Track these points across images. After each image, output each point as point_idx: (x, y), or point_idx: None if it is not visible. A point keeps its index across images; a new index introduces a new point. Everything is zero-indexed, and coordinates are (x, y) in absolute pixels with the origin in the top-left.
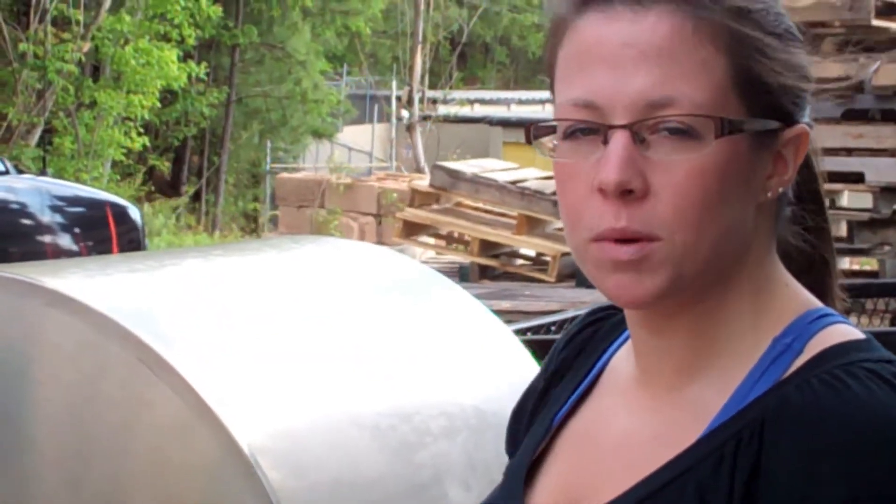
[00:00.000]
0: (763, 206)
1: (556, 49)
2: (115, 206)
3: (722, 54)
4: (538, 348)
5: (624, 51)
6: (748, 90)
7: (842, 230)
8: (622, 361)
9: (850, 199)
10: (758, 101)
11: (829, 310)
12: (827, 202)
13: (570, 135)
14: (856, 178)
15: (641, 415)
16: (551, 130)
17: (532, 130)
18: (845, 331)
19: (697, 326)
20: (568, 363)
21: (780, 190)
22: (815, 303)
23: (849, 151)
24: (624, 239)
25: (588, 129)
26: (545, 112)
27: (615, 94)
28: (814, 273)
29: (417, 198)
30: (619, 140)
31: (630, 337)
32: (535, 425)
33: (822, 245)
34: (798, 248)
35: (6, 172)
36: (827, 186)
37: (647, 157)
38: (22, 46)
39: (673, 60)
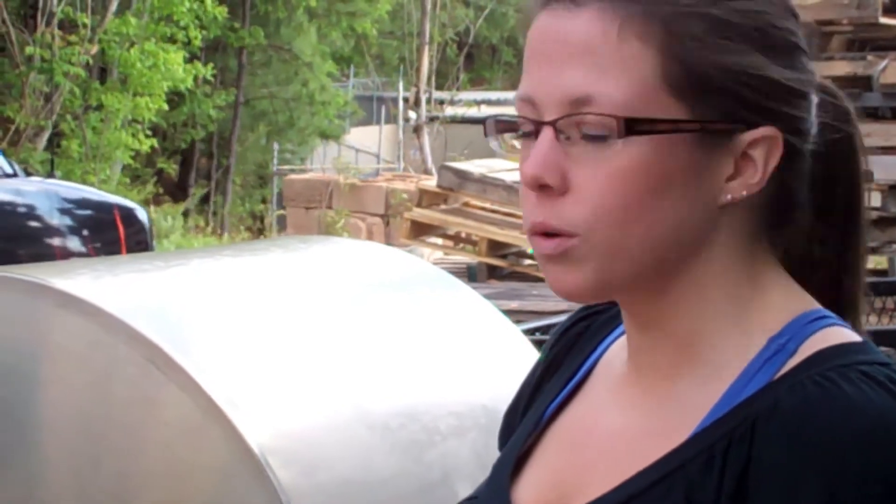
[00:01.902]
0: (734, 208)
1: (524, 48)
2: (122, 208)
3: (652, 52)
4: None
5: (556, 48)
6: (687, 89)
7: None
8: (615, 356)
9: None
10: (703, 99)
11: (827, 312)
12: (864, 220)
13: (518, 131)
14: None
15: (632, 410)
16: (508, 127)
17: (485, 127)
18: (842, 333)
19: (678, 324)
20: (560, 358)
21: (743, 193)
22: (814, 304)
23: None
24: (546, 233)
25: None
26: None
27: (547, 91)
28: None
29: (425, 198)
30: (543, 136)
31: (625, 331)
32: (525, 420)
33: (838, 261)
34: (814, 260)
35: (14, 175)
36: None
37: (570, 154)
38: (29, 50)
39: (597, 58)
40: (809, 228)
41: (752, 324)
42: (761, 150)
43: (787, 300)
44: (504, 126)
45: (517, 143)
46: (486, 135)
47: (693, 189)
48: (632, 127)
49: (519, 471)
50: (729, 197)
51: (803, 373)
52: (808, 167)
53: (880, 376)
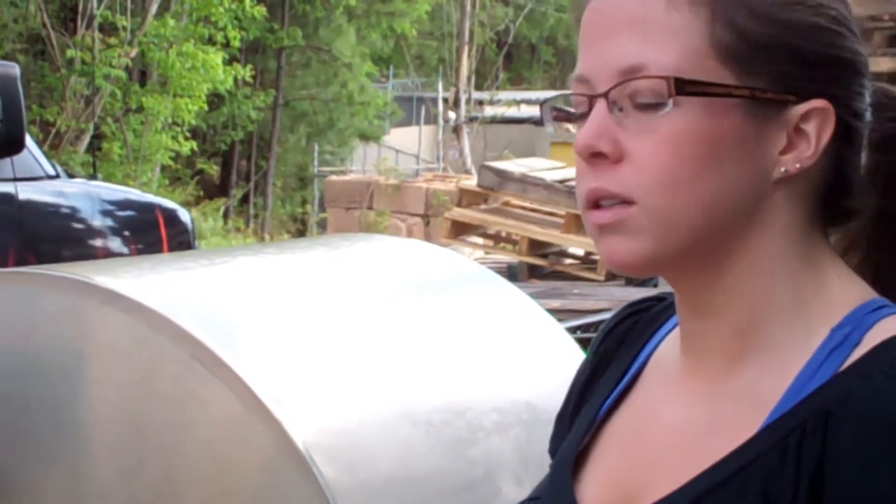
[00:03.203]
0: (789, 184)
1: (578, 36)
2: (165, 209)
3: (702, 19)
4: (589, 347)
5: (607, 25)
6: (737, 56)
7: None
8: (669, 350)
9: None
10: (753, 68)
11: (885, 301)
12: None
13: (578, 114)
14: None
15: (694, 404)
16: (564, 116)
17: (541, 110)
18: None
19: (734, 311)
20: (609, 356)
21: (797, 167)
22: (871, 294)
23: None
24: (601, 203)
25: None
26: None
27: (598, 67)
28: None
29: (465, 198)
30: (596, 108)
31: (678, 323)
32: (578, 419)
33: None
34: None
35: (57, 176)
36: None
37: (624, 124)
38: (69, 53)
39: (646, 29)
40: (871, 213)
41: (812, 314)
42: (814, 124)
43: (846, 289)
44: (559, 115)
45: (573, 128)
46: (542, 122)
47: (744, 159)
48: (682, 87)
49: (578, 470)
50: (783, 170)
51: (872, 363)
52: (863, 149)
53: None
